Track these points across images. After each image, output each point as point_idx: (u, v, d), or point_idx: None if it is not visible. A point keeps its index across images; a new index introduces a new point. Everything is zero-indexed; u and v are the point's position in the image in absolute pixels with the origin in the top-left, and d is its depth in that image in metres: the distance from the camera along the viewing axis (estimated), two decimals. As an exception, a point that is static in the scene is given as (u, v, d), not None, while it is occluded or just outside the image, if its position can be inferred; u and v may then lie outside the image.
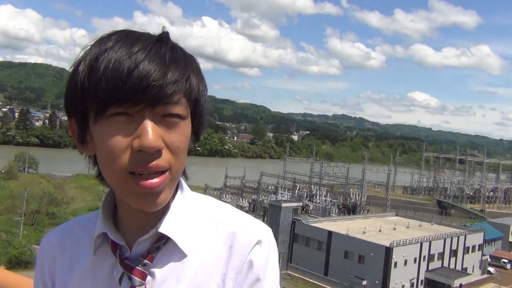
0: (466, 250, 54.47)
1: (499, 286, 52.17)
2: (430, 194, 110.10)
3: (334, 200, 78.03)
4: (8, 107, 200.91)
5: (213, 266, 0.94)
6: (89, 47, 0.88)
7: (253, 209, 73.61)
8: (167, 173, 0.86)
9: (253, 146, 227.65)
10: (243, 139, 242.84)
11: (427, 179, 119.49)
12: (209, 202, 1.04)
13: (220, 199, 72.38)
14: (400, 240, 46.73)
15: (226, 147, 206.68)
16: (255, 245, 0.96)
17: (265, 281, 0.96)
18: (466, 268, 53.82)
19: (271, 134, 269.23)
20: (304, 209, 69.65)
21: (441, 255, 51.22)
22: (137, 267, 0.92)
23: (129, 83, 0.81)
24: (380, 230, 52.92)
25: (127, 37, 0.87)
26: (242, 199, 73.16)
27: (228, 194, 75.61)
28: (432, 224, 60.77)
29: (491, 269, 58.11)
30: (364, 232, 50.61)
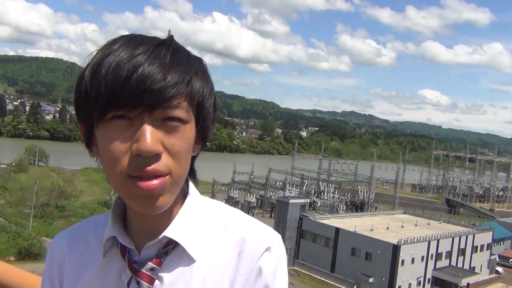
0: (474, 249, 54.14)
1: (507, 286, 51.85)
2: (439, 193, 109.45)
3: (342, 197, 77.95)
4: (19, 100, 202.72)
5: (221, 272, 0.94)
6: (96, 52, 0.88)
7: (261, 205, 73.77)
8: (167, 176, 0.85)
9: (262, 142, 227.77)
10: (251, 135, 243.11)
11: (436, 177, 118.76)
12: (219, 207, 1.03)
13: (228, 194, 72.94)
14: (407, 238, 46.55)
15: (235, 143, 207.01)
16: (264, 251, 0.95)
17: None
18: (474, 267, 53.50)
19: (280, 130, 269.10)
20: (312, 206, 69.64)
21: (449, 254, 50.96)
22: (145, 272, 0.92)
23: (127, 87, 0.81)
24: (388, 228, 52.76)
25: (131, 41, 0.87)
26: (250, 195, 73.21)
27: (236, 190, 75.72)
28: (440, 223, 60.49)
29: (500, 269, 57.75)
30: (372, 230, 50.50)
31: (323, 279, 47.75)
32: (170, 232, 0.93)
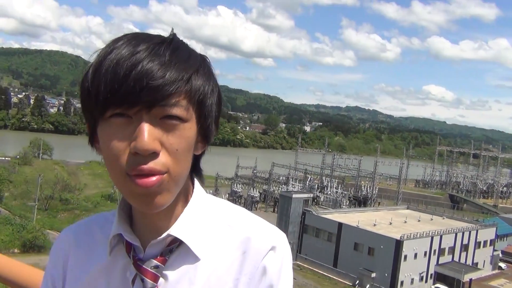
0: (477, 245, 54.11)
1: (510, 281, 51.84)
2: (443, 188, 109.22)
3: (345, 192, 77.95)
4: (23, 93, 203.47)
5: (226, 270, 0.94)
6: (100, 50, 0.89)
7: (264, 200, 73.83)
8: (165, 175, 0.85)
9: (265, 137, 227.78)
10: (255, 129, 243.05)
11: (440, 173, 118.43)
12: (224, 206, 1.02)
13: (231, 188, 73.03)
14: (410, 234, 46.54)
15: (238, 137, 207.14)
16: (269, 251, 0.95)
17: None
18: (476, 263, 53.49)
19: (284, 125, 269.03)
20: (315, 201, 69.67)
21: (452, 250, 50.94)
22: (149, 269, 0.93)
23: (125, 84, 0.81)
24: (390, 223, 52.76)
25: (134, 39, 0.87)
26: (253, 189, 73.29)
27: (239, 184, 75.78)
28: (443, 218, 60.41)
29: (502, 265, 57.71)
30: (375, 225, 50.51)
31: (325, 274, 47.88)
32: (175, 230, 0.93)
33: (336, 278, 47.12)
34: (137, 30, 0.92)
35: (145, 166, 0.83)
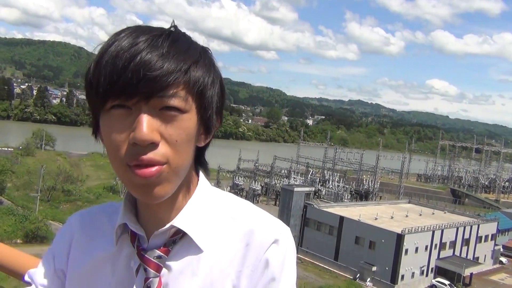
0: (478, 239, 54.16)
1: (511, 276, 51.96)
2: (445, 183, 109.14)
3: (347, 186, 77.89)
4: (26, 84, 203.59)
5: (228, 262, 0.94)
6: (103, 43, 0.90)
7: (266, 193, 73.93)
8: (164, 166, 0.85)
9: (267, 130, 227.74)
10: (257, 122, 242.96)
11: (442, 167, 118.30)
12: (228, 199, 1.03)
13: (233, 181, 73.12)
14: (412, 228, 46.55)
15: (241, 130, 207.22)
16: (272, 244, 0.95)
17: (281, 281, 0.94)
18: (477, 258, 53.57)
19: (286, 118, 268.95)
20: (317, 194, 69.71)
21: (453, 244, 50.99)
22: (152, 259, 0.94)
23: (123, 76, 0.82)
24: (392, 217, 52.79)
25: (134, 32, 0.87)
26: (255, 182, 73.33)
27: (241, 177, 75.86)
28: (445, 213, 60.43)
29: (503, 259, 57.83)
30: (376, 219, 50.55)
31: (326, 267, 48.01)
32: (178, 221, 0.94)
33: (337, 272, 47.25)
34: (140, 22, 0.94)
35: (144, 157, 0.83)
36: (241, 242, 0.95)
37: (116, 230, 0.99)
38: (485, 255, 55.00)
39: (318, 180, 78.89)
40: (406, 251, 45.12)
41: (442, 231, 49.13)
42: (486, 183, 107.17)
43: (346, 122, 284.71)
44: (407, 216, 54.68)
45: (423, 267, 47.44)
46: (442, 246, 49.47)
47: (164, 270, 0.94)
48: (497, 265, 56.16)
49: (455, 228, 51.15)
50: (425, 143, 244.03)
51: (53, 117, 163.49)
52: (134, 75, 0.82)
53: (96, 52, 0.89)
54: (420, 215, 56.58)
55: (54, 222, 46.74)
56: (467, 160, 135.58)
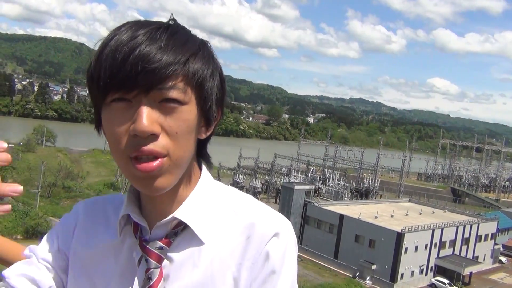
0: (478, 238, 54.19)
1: (510, 275, 52.00)
2: (445, 182, 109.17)
3: (347, 184, 77.93)
4: (27, 80, 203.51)
5: (229, 255, 0.95)
6: (104, 38, 0.90)
7: (266, 190, 73.98)
8: (165, 158, 0.86)
9: (268, 127, 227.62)
10: (258, 120, 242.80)
11: (443, 166, 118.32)
12: (230, 192, 1.04)
13: (233, 179, 73.12)
14: (412, 226, 46.61)
15: (241, 127, 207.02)
16: (272, 237, 0.95)
17: (281, 274, 0.95)
18: (477, 257, 53.61)
19: (287, 116, 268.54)
20: (317, 192, 69.78)
21: (453, 243, 51.03)
22: (154, 250, 0.95)
23: (123, 69, 0.83)
24: (392, 216, 52.84)
25: (133, 26, 0.89)
26: (255, 180, 73.38)
27: (242, 175, 75.92)
28: (445, 212, 60.47)
29: (503, 259, 57.87)
30: (376, 217, 50.59)
31: (326, 265, 48.06)
32: (180, 213, 0.95)
33: (337, 270, 47.30)
34: (141, 18, 0.94)
35: (145, 148, 0.84)
36: (242, 235, 0.96)
37: (119, 220, 1.00)
38: (485, 254, 55.03)
39: (318, 178, 78.95)
40: (406, 249, 45.16)
41: (442, 230, 49.16)
42: (487, 182, 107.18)
43: (347, 120, 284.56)
44: (407, 214, 54.72)
45: (422, 266, 47.50)
46: (442, 245, 49.52)
47: (165, 261, 0.95)
48: (497, 265, 56.20)
49: (455, 227, 51.18)
50: (426, 142, 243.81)
51: (54, 113, 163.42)
52: (133, 68, 0.83)
53: (96, 48, 0.90)
54: (420, 214, 56.62)
55: (55, 218, 46.76)
56: (468, 159, 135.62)
